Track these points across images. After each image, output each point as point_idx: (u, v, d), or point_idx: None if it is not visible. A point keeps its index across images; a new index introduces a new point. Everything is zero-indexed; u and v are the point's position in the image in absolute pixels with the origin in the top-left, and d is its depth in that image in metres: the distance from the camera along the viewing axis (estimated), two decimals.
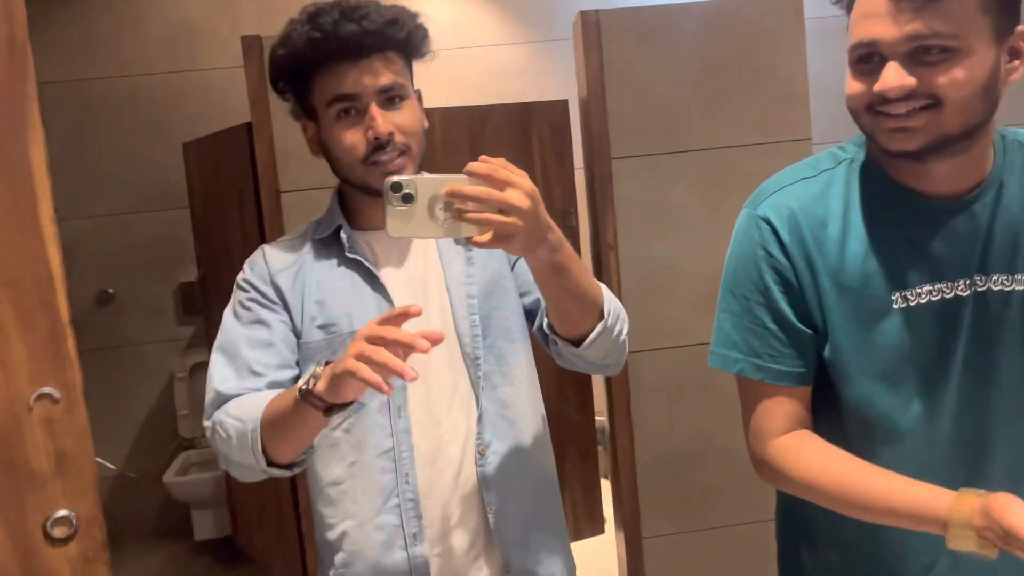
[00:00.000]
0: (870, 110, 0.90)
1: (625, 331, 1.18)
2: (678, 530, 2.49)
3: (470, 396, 1.20)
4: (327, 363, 1.00)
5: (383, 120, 1.15)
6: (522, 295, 1.28)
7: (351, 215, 1.27)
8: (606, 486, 2.84)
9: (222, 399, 1.16)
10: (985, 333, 0.95)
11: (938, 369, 0.95)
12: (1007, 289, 0.95)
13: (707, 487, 2.41)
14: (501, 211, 0.90)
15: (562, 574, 1.27)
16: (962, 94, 0.86)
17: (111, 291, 3.70)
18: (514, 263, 1.28)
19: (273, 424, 1.07)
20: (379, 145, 1.15)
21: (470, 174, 0.91)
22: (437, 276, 1.22)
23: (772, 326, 0.99)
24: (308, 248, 1.25)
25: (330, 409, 1.00)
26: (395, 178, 0.92)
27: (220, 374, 1.18)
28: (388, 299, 1.19)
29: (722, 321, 1.04)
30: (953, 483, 0.89)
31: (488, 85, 3.67)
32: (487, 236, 0.91)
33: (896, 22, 0.85)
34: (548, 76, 3.66)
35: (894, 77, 0.86)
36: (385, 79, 1.16)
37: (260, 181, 2.18)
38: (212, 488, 3.39)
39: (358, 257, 1.21)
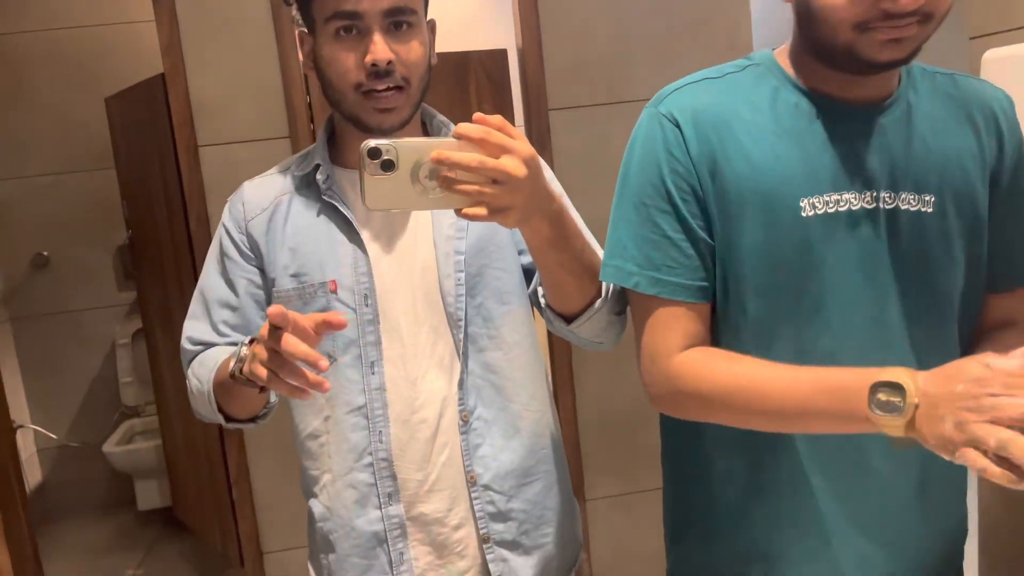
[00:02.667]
0: (860, 24, 0.82)
1: (627, 310, 1.07)
2: (621, 492, 2.45)
3: (452, 358, 1.13)
4: (252, 341, 0.95)
5: (383, 46, 1.04)
6: (521, 252, 1.18)
7: (339, 150, 1.18)
8: None
9: (191, 354, 1.18)
10: (898, 253, 0.90)
11: (848, 286, 0.90)
12: (913, 209, 0.90)
13: (650, 449, 2.35)
14: (495, 180, 0.81)
15: (555, 549, 1.20)
16: (947, 7, 0.82)
17: (46, 254, 3.56)
18: None
19: (221, 388, 1.07)
20: (376, 73, 1.05)
21: (460, 137, 0.80)
22: (425, 227, 1.14)
23: (673, 235, 0.91)
24: (288, 185, 1.17)
25: (264, 387, 0.95)
26: (373, 142, 0.80)
27: (190, 327, 1.20)
28: (363, 250, 1.12)
29: (618, 231, 0.95)
30: None
31: None
32: (480, 209, 0.82)
33: None
34: (490, 25, 3.53)
35: None
36: (391, 1, 1.05)
37: (177, 136, 2.07)
38: (154, 457, 3.30)
39: (334, 202, 1.13)
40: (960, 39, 1.50)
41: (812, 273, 0.89)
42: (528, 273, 1.19)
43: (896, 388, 0.74)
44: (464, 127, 0.80)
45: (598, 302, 1.01)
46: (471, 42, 2.68)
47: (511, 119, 2.62)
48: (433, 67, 1.14)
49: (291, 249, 1.13)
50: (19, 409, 3.55)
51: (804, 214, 0.88)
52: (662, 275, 0.91)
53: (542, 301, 1.09)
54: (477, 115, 0.81)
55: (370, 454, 1.12)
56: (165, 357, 3.04)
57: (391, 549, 1.13)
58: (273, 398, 1.14)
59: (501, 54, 2.37)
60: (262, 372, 0.88)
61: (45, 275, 3.58)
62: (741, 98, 0.92)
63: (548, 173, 1.25)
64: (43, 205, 3.52)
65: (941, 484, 0.96)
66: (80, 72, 3.45)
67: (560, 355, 2.37)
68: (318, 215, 1.14)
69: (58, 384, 3.64)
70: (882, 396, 0.75)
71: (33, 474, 3.64)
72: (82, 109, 3.44)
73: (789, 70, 0.93)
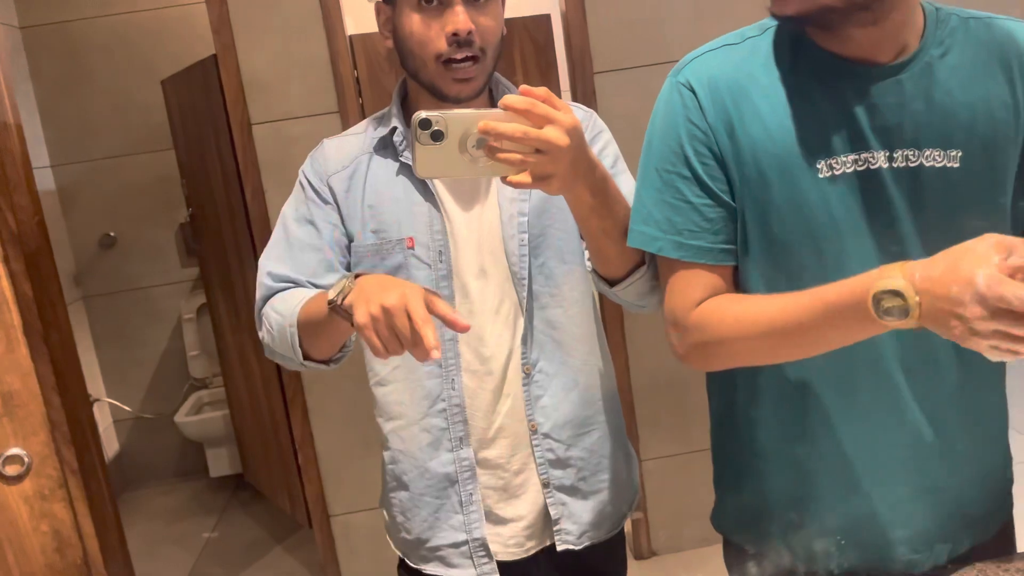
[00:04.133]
0: None
1: None
2: (675, 452, 2.47)
3: (516, 314, 1.20)
4: (357, 276, 1.00)
5: (465, 17, 1.10)
6: None
7: (412, 113, 1.24)
8: None
9: (272, 290, 1.20)
10: (920, 211, 0.90)
11: (869, 246, 0.90)
12: (938, 165, 0.89)
13: (702, 409, 2.37)
14: (538, 149, 0.85)
15: (611, 494, 1.26)
16: None
17: (113, 235, 3.70)
18: None
19: (308, 324, 1.10)
20: (457, 42, 1.10)
21: (506, 108, 0.84)
22: (491, 189, 1.20)
23: (694, 199, 0.94)
24: (367, 146, 1.23)
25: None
26: (424, 114, 0.85)
27: (273, 264, 1.21)
28: (438, 208, 1.18)
29: (642, 197, 0.98)
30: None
31: None
32: (524, 177, 0.87)
33: None
34: None
35: None
36: None
37: (230, 114, 2.12)
38: (223, 426, 3.43)
39: (410, 164, 1.19)
40: None
41: (832, 233, 0.90)
42: None
43: (896, 294, 0.75)
44: (509, 99, 0.83)
45: (641, 268, 1.04)
46: (515, 8, 2.67)
47: (556, 84, 2.62)
48: (504, 37, 1.18)
49: (370, 206, 1.19)
50: (95, 383, 3.72)
51: (821, 175, 0.89)
52: (684, 239, 0.94)
53: (588, 265, 1.13)
54: (523, 87, 0.85)
55: (443, 400, 1.20)
56: (229, 330, 3.15)
57: (461, 490, 1.21)
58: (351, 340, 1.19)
59: (545, 19, 2.36)
60: (363, 321, 0.91)
61: (113, 254, 3.72)
62: (759, 62, 0.93)
63: (606, 137, 1.29)
64: (108, 187, 3.65)
65: (978, 427, 0.97)
66: (137, 56, 3.54)
67: (612, 318, 2.39)
68: (396, 175, 1.20)
69: (130, 359, 3.80)
70: (886, 303, 0.76)
71: (110, 445, 3.82)
72: (141, 92, 3.54)
73: (807, 31, 0.93)
